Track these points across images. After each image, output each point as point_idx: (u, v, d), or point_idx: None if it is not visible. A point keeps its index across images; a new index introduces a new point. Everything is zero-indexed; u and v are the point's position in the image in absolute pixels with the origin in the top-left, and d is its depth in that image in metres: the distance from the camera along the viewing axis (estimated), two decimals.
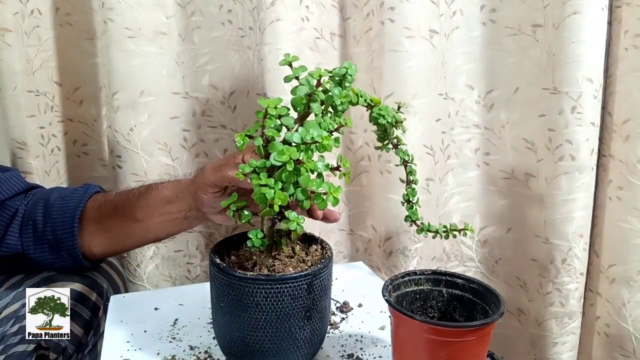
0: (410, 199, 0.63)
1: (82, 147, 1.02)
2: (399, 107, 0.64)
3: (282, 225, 0.55)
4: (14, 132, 0.92)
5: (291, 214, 0.53)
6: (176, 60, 0.92)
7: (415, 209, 0.64)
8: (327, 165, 0.55)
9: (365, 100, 0.61)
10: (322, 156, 0.56)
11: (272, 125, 0.54)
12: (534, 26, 0.90)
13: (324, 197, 0.53)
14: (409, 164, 0.64)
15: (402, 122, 0.62)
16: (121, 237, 0.74)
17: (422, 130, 0.94)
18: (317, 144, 0.52)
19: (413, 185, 0.64)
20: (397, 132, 0.63)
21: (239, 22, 0.91)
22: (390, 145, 0.64)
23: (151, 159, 0.92)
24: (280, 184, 0.52)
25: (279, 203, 0.51)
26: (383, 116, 0.60)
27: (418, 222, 0.64)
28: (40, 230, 0.71)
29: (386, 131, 0.63)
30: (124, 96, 0.89)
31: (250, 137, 0.56)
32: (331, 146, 0.53)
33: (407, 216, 0.64)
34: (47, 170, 0.98)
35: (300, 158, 0.52)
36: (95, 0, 0.90)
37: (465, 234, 0.62)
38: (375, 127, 0.64)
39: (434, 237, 0.63)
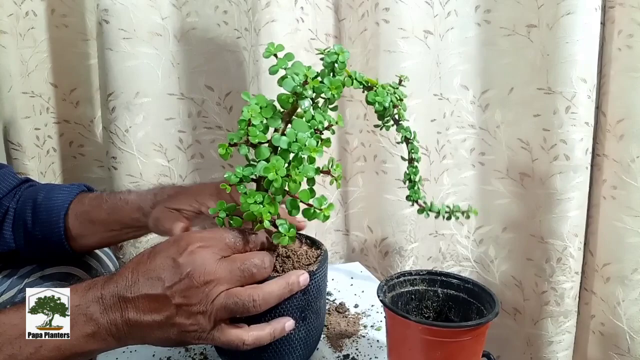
0: (412, 178, 0.59)
1: (79, 148, 1.02)
2: (400, 81, 0.58)
3: (273, 240, 0.53)
4: (9, 134, 0.92)
5: (282, 226, 0.52)
6: (171, 61, 0.92)
7: (417, 188, 0.59)
8: (317, 170, 0.52)
9: (360, 82, 0.55)
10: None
11: (259, 132, 0.51)
12: (528, 26, 0.91)
13: (313, 210, 0.51)
14: (411, 141, 0.59)
15: (402, 100, 0.56)
16: (106, 236, 0.74)
17: (417, 130, 0.93)
18: (306, 155, 0.50)
19: (415, 164, 0.59)
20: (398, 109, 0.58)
21: (234, 23, 0.91)
22: (391, 122, 0.58)
23: (147, 160, 0.92)
24: (269, 197, 0.51)
25: (269, 219, 0.50)
26: (380, 102, 0.55)
27: (420, 202, 0.59)
28: (30, 230, 0.72)
29: (385, 109, 0.56)
30: (119, 97, 0.89)
31: (234, 145, 0.52)
32: (322, 151, 0.50)
33: (408, 196, 0.59)
34: (43, 171, 0.98)
35: (289, 171, 0.50)
36: (91, 1, 0.90)
37: (468, 216, 0.58)
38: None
39: (436, 217, 0.59)
